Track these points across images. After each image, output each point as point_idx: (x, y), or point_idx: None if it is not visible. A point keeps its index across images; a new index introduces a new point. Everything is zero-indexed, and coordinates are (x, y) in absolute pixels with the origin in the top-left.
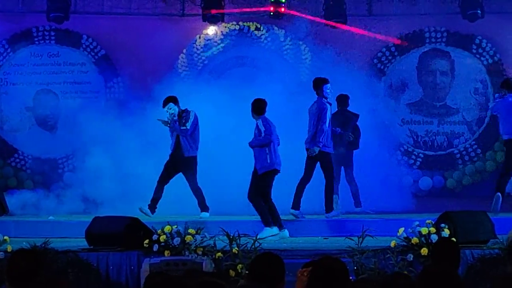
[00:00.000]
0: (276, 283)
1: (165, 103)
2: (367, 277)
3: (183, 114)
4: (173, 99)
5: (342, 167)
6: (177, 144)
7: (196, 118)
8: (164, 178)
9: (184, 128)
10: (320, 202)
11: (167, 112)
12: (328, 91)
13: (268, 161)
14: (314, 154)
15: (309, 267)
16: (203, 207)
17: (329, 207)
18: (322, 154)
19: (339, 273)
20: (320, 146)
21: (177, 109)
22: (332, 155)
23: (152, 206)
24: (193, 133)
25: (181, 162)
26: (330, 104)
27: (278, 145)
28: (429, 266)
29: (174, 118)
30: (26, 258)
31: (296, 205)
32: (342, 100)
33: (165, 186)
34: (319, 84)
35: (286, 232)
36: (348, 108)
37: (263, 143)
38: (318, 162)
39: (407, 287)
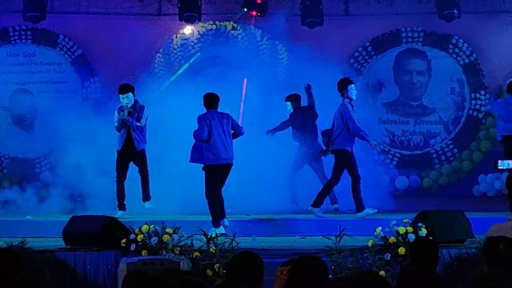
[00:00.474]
0: (255, 281)
1: (125, 91)
2: (345, 276)
3: (137, 108)
4: (133, 89)
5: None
6: (128, 138)
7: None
8: (122, 176)
9: (139, 125)
10: (298, 200)
11: (123, 100)
12: (352, 91)
13: (195, 155)
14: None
15: (288, 266)
16: (147, 197)
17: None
18: (344, 153)
19: (319, 272)
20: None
21: (133, 100)
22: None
23: (121, 206)
24: (143, 127)
25: (134, 156)
26: (352, 106)
27: (235, 136)
28: (408, 265)
29: (127, 108)
30: (3, 258)
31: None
32: (298, 99)
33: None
34: (343, 84)
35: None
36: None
37: (194, 138)
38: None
39: (375, 285)
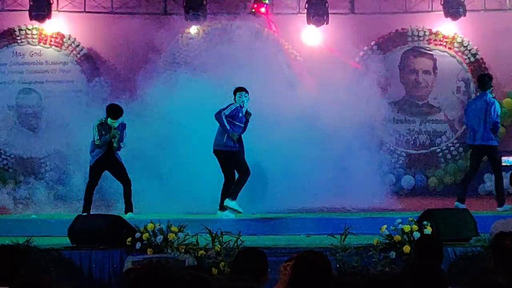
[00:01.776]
0: (259, 277)
1: (118, 116)
2: (350, 272)
3: (120, 127)
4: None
5: None
6: (108, 152)
7: None
8: (95, 184)
9: (122, 146)
10: (303, 199)
11: (113, 123)
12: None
13: None
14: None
15: (291, 262)
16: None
17: (501, 200)
18: (490, 148)
19: (322, 267)
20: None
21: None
22: None
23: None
24: None
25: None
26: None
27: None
28: (413, 260)
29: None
30: (7, 254)
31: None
32: None
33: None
34: (486, 80)
35: None
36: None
37: None
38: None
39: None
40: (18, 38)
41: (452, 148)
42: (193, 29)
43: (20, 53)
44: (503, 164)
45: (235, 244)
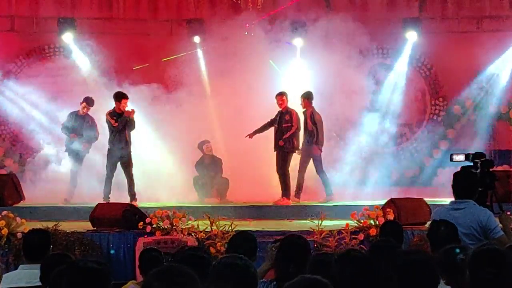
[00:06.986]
0: (250, 255)
1: (127, 96)
2: (324, 252)
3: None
4: None
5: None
6: (120, 139)
7: None
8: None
9: (135, 126)
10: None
11: (126, 104)
12: None
13: None
14: None
15: (277, 243)
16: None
17: None
18: None
19: (302, 247)
20: None
21: None
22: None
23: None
24: None
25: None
26: None
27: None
28: (378, 241)
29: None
30: (38, 236)
31: None
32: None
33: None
34: None
35: None
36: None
37: None
38: None
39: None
40: (48, 54)
41: (411, 147)
42: (194, 47)
43: (49, 66)
44: (454, 160)
45: (229, 228)
